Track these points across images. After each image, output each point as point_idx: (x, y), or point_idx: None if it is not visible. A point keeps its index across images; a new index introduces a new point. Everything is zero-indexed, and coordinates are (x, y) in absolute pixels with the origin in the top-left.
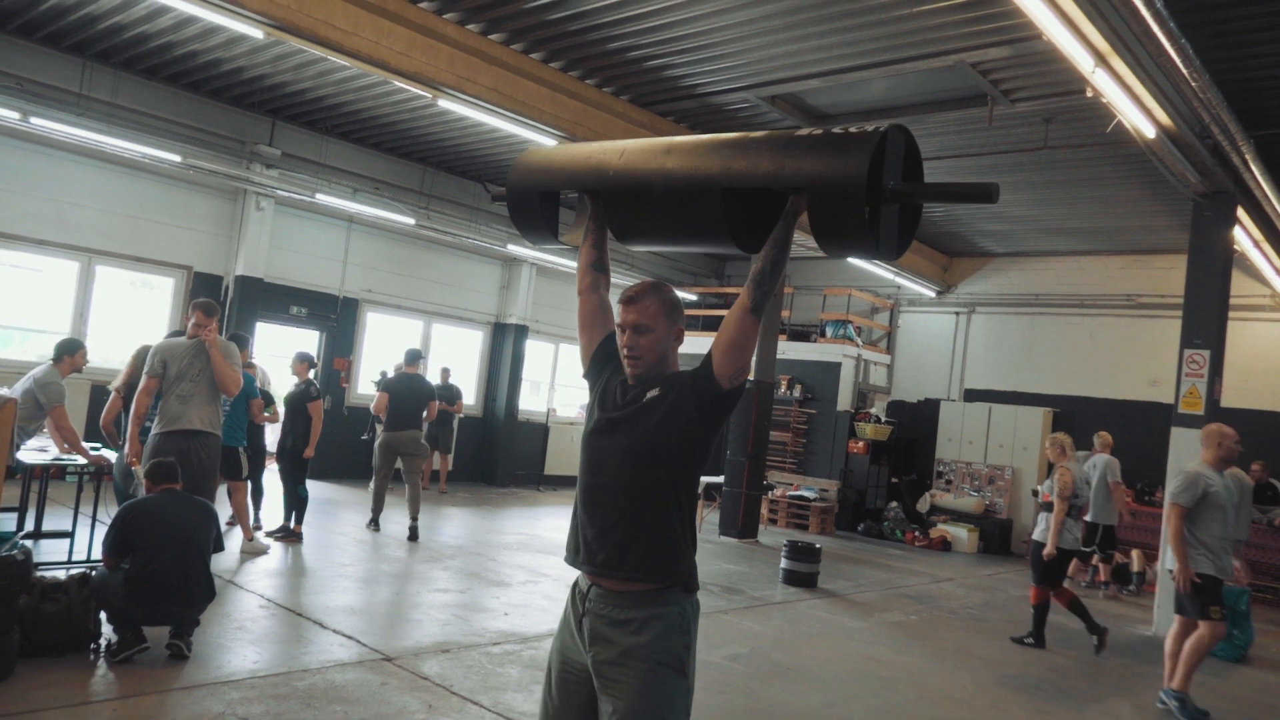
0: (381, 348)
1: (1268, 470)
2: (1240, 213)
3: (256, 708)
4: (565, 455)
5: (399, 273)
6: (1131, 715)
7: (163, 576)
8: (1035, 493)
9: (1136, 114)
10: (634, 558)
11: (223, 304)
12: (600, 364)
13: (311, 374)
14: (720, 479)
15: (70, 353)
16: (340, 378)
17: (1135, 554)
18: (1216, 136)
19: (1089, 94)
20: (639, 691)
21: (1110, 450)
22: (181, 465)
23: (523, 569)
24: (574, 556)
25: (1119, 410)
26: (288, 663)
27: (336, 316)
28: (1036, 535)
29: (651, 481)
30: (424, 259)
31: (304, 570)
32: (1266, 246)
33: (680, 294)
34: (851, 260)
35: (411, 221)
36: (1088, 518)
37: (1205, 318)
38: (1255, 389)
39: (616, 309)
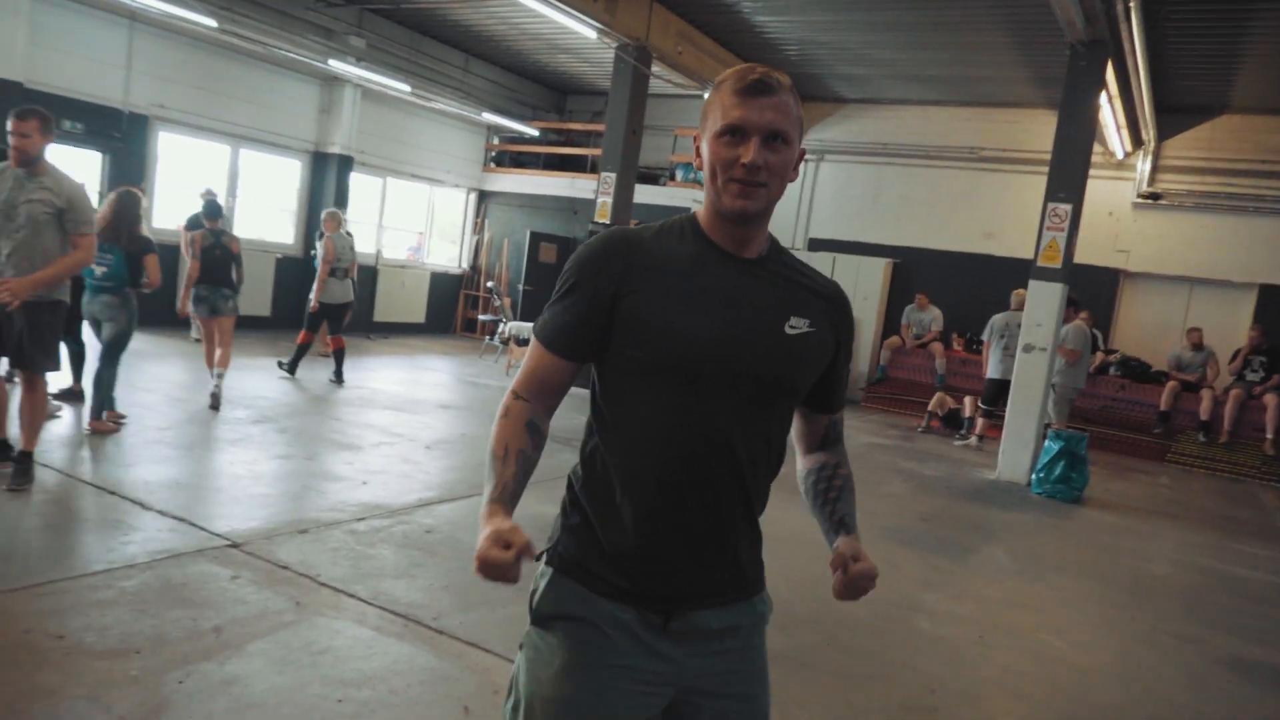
0: (180, 175)
1: (1091, 321)
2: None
3: (75, 621)
4: (395, 300)
5: (199, 86)
6: (1006, 561)
7: None
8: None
9: None
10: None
11: None
12: (596, 287)
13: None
14: None
15: None
16: None
17: (967, 400)
18: None
19: None
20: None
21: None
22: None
23: (372, 428)
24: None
25: (955, 262)
26: (106, 556)
27: (121, 135)
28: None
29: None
30: (229, 71)
31: (109, 437)
32: (1118, 102)
33: (519, 127)
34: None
35: (212, 24)
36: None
37: (1071, 171)
38: (1079, 244)
39: (727, 102)
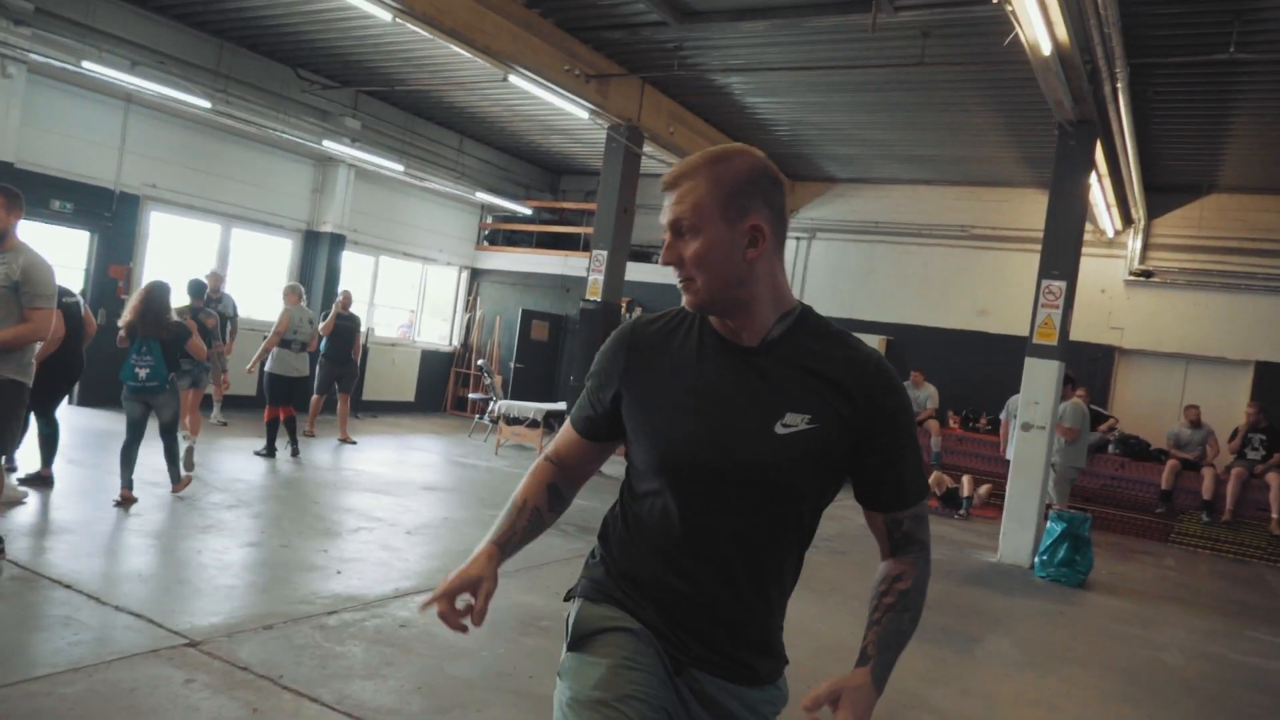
0: (170, 254)
1: (1088, 398)
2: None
3: None
4: (385, 378)
5: (191, 166)
6: (1013, 653)
7: None
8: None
9: (1041, 26)
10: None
11: None
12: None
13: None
14: (562, 405)
15: None
16: (118, 288)
17: (966, 479)
18: (1097, 59)
19: (994, 0)
20: None
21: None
22: None
23: (351, 513)
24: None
25: (949, 339)
26: (51, 658)
27: (112, 215)
28: (267, 367)
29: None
30: (222, 152)
31: (73, 525)
32: (1107, 181)
33: (512, 206)
34: None
35: (206, 105)
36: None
37: (1064, 249)
38: (1073, 321)
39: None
